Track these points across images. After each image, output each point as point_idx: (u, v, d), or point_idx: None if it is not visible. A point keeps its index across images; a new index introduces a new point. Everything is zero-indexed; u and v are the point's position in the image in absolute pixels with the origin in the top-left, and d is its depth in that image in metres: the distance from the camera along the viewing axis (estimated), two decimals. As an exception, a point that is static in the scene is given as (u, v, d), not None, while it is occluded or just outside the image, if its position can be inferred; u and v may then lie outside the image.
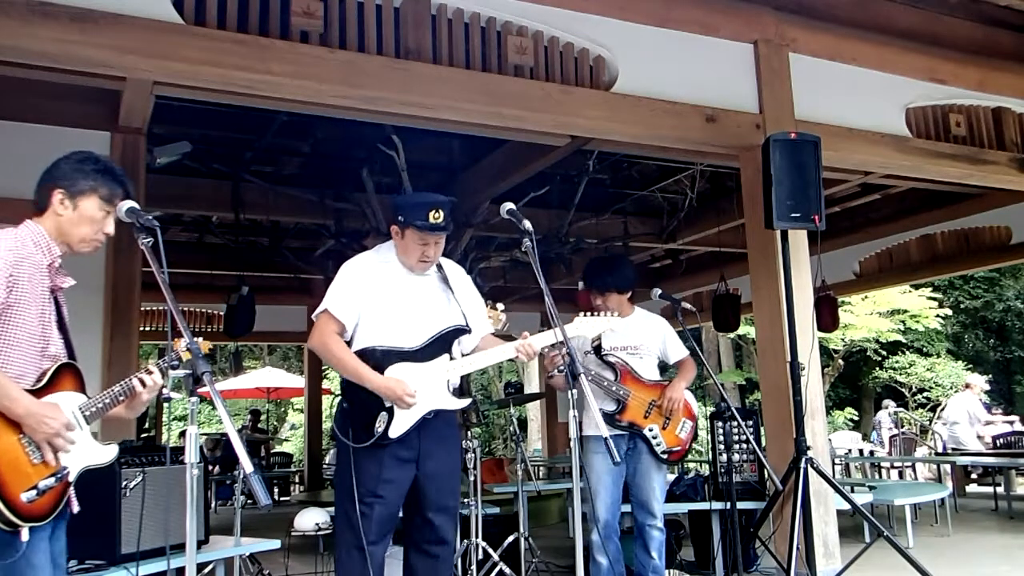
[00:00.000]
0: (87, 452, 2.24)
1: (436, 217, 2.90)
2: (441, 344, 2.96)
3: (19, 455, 2.07)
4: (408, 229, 2.95)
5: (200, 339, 2.54)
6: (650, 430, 4.02)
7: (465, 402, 3.06)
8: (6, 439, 2.05)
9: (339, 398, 2.97)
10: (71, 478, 2.20)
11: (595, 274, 4.19)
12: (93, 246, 2.33)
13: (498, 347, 3.06)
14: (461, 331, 3.01)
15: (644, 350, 4.14)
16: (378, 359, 2.86)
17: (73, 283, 2.35)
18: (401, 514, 3.00)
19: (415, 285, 3.02)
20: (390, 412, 2.81)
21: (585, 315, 3.22)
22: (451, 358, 2.98)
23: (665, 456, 4.05)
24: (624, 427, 4.02)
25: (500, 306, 3.30)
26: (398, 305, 2.94)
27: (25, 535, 2.07)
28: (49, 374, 2.18)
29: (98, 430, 2.36)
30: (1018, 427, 10.51)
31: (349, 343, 2.94)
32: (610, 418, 3.99)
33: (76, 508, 2.28)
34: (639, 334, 4.15)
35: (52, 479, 2.11)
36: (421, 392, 2.85)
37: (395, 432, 2.82)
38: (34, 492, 2.07)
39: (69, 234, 2.28)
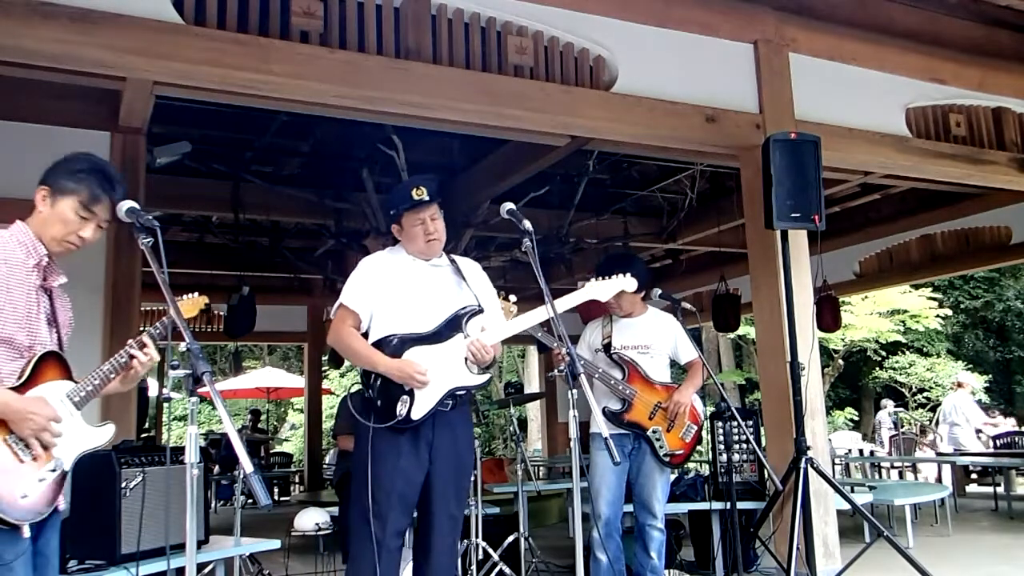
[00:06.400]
0: (80, 438, 2.23)
1: (420, 193, 2.99)
2: (454, 324, 3.00)
3: (5, 455, 2.06)
4: (401, 217, 3.03)
5: (195, 295, 2.55)
6: (654, 432, 4.03)
7: (485, 378, 3.08)
8: None
9: (359, 388, 3.02)
10: (66, 467, 2.19)
11: (608, 270, 4.20)
12: (65, 248, 2.28)
13: (532, 312, 3.11)
14: (473, 311, 3.04)
15: (655, 350, 4.15)
16: (396, 346, 2.91)
17: (64, 281, 2.32)
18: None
19: (428, 275, 3.07)
20: (411, 395, 2.87)
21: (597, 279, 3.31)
22: (465, 337, 3.00)
23: (667, 458, 4.05)
24: (628, 427, 4.03)
25: (512, 297, 3.36)
26: (411, 294, 3.00)
27: (26, 531, 2.07)
28: (30, 368, 2.16)
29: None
30: (1005, 428, 10.52)
31: (366, 335, 3.00)
32: (615, 417, 4.00)
33: (63, 507, 2.26)
34: (650, 333, 4.16)
35: (46, 474, 2.11)
36: (439, 372, 2.90)
37: (417, 413, 2.86)
38: (28, 491, 2.06)
39: (42, 232, 2.25)
